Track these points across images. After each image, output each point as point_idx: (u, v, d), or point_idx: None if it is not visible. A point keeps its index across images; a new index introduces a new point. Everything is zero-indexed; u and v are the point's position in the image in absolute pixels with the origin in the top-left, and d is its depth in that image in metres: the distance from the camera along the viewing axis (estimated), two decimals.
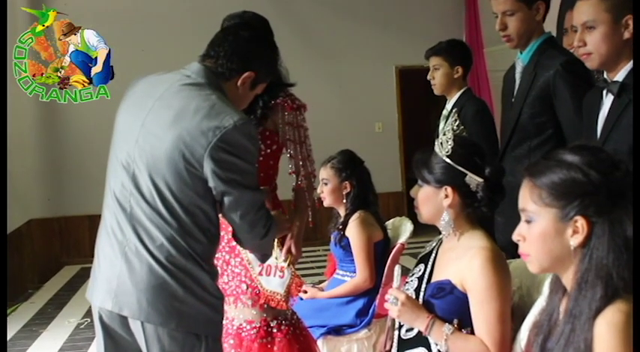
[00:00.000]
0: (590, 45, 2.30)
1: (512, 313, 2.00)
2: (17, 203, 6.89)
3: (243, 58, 2.19)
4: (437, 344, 2.02)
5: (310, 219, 2.96)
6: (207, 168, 2.00)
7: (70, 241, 8.08)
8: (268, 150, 2.80)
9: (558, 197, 1.50)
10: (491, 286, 1.95)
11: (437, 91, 3.97)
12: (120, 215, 2.08)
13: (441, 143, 2.08)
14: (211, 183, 2.02)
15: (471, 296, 1.99)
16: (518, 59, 3.02)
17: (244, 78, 2.20)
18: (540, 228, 1.53)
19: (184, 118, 2.02)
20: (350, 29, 8.67)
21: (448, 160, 2.05)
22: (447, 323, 2.00)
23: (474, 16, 8.56)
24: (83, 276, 6.83)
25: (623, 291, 1.42)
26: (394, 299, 2.06)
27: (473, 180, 2.04)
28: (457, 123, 2.11)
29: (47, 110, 7.87)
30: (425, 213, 2.13)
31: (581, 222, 1.48)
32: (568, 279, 1.54)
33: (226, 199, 2.05)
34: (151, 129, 2.06)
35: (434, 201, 2.09)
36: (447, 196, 2.06)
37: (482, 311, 1.96)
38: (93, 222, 2.32)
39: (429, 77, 3.95)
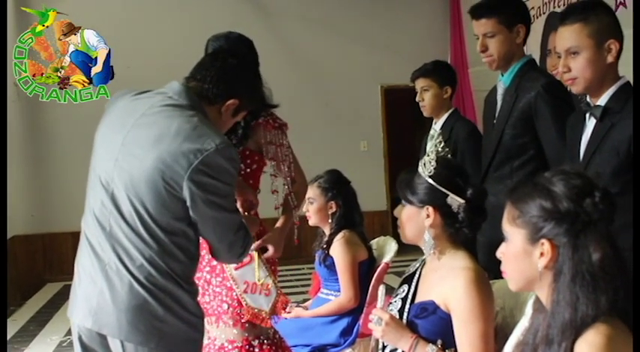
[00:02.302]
0: (574, 70, 2.33)
1: (495, 334, 2.00)
2: None
3: (229, 86, 2.20)
4: None
5: (296, 237, 2.96)
6: (187, 190, 1.99)
7: (53, 258, 8.01)
8: (248, 170, 2.80)
9: (528, 220, 1.55)
10: (474, 306, 1.95)
11: (427, 113, 3.91)
12: (99, 234, 2.07)
13: (424, 163, 2.09)
14: (190, 205, 2.01)
15: (454, 317, 1.99)
16: (499, 82, 3.06)
17: (228, 105, 2.21)
18: (513, 247, 1.59)
19: (166, 139, 2.01)
20: (336, 48, 8.71)
21: (430, 181, 2.06)
22: (430, 344, 2.00)
23: (459, 37, 8.63)
24: (66, 294, 6.68)
25: (602, 315, 1.44)
26: (378, 320, 2.07)
27: (454, 200, 2.05)
28: (442, 144, 2.12)
29: (31, 124, 7.84)
30: (408, 232, 2.14)
31: (546, 246, 1.52)
32: (545, 300, 1.56)
33: (205, 221, 2.05)
34: (130, 149, 2.05)
35: (416, 220, 2.10)
36: (428, 216, 2.07)
37: (466, 331, 1.96)
38: (76, 239, 2.29)
39: (418, 99, 3.90)
